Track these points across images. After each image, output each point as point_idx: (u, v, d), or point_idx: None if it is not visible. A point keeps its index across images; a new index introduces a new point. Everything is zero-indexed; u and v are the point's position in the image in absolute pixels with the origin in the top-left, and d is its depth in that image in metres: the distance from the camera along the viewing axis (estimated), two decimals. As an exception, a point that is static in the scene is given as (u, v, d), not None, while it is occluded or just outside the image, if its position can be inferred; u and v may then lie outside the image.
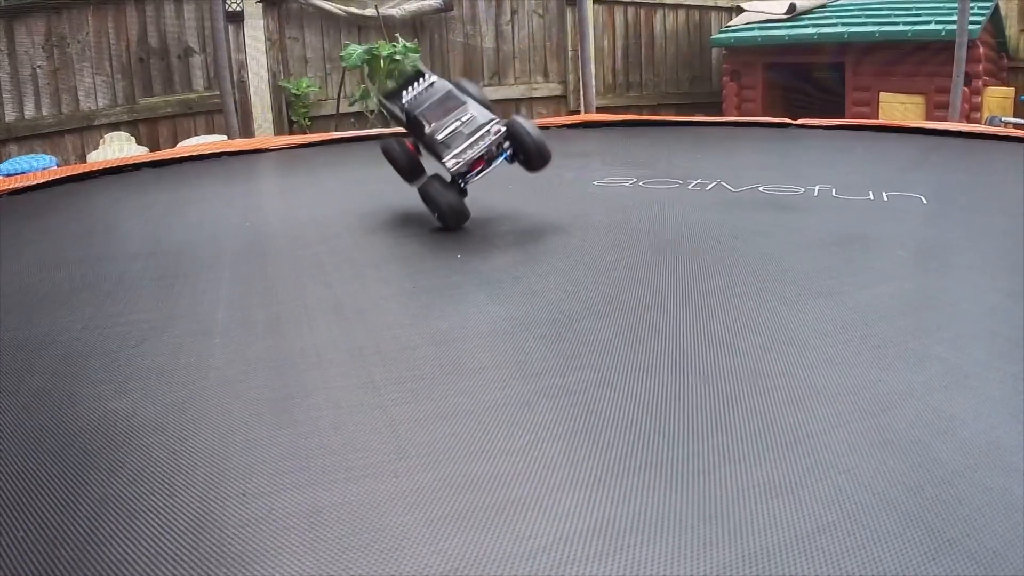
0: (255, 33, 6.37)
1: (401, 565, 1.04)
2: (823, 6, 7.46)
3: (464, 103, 2.73)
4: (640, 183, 3.40)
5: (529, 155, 2.70)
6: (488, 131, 2.64)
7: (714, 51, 8.19)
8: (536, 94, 7.41)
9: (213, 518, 1.16)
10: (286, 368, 1.66)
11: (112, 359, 1.74)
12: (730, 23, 7.77)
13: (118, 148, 5.85)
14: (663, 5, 7.93)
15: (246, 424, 1.43)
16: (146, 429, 1.43)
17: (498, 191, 3.05)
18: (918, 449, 1.30)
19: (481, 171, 2.69)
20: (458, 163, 2.60)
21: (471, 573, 1.03)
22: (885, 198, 3.04)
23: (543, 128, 2.88)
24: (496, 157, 2.71)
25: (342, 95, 6.49)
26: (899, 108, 6.60)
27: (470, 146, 2.61)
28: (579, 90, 7.24)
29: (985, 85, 6.53)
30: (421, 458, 1.31)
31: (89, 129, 5.99)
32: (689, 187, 3.30)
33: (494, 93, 7.15)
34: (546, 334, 1.83)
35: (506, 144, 2.70)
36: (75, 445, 1.38)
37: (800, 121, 5.12)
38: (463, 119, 2.68)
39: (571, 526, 1.12)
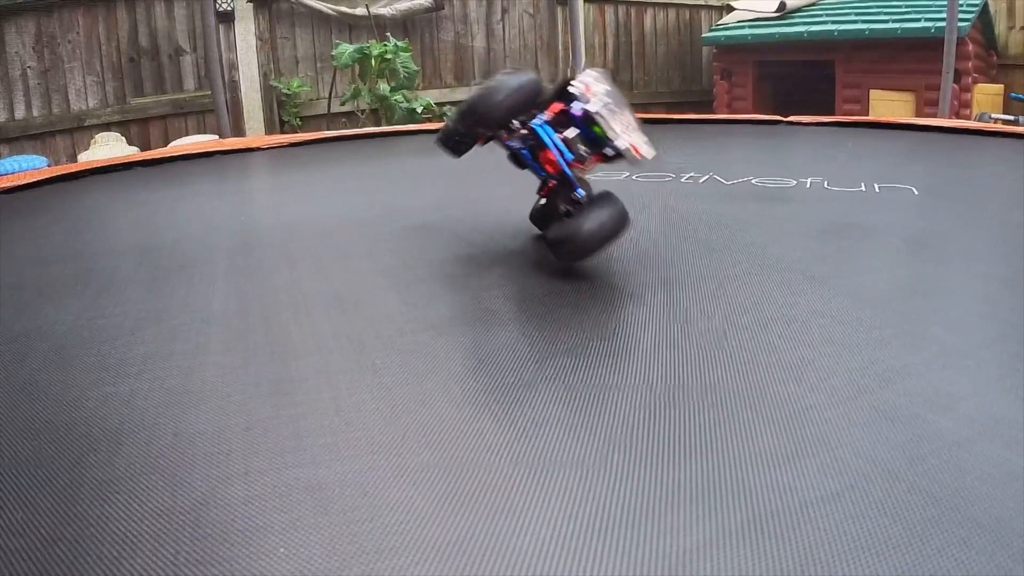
0: (246, 33, 6.36)
1: (409, 538, 1.04)
2: (813, 4, 7.50)
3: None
4: (633, 176, 3.40)
5: (564, 238, 1.95)
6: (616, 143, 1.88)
7: (704, 50, 8.21)
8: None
9: (216, 497, 1.16)
10: (285, 354, 1.66)
11: (108, 347, 1.74)
12: (720, 21, 7.80)
13: (109, 149, 5.83)
14: (654, 4, 7.96)
15: (246, 406, 1.42)
16: (145, 413, 1.42)
17: (493, 183, 3.05)
18: (918, 423, 1.31)
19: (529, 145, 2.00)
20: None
21: (479, 547, 1.03)
22: (877, 190, 3.06)
23: None
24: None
25: (333, 95, 6.49)
26: (889, 105, 6.64)
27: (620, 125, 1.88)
28: (570, 89, 7.25)
29: (975, 82, 6.58)
30: (423, 437, 1.31)
31: (80, 130, 5.97)
32: (682, 180, 3.30)
33: (486, 93, 7.15)
34: (545, 318, 1.83)
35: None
36: (73, 429, 1.38)
37: (791, 118, 5.13)
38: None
39: (577, 501, 1.12)
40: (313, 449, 1.27)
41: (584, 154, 1.95)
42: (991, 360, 1.58)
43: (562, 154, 1.95)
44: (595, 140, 1.92)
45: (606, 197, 1.99)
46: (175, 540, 1.06)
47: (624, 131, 1.87)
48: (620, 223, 1.96)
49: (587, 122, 1.91)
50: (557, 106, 1.97)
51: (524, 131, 2.00)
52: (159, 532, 1.08)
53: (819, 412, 1.34)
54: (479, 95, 1.97)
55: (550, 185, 2.10)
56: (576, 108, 1.90)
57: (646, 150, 1.89)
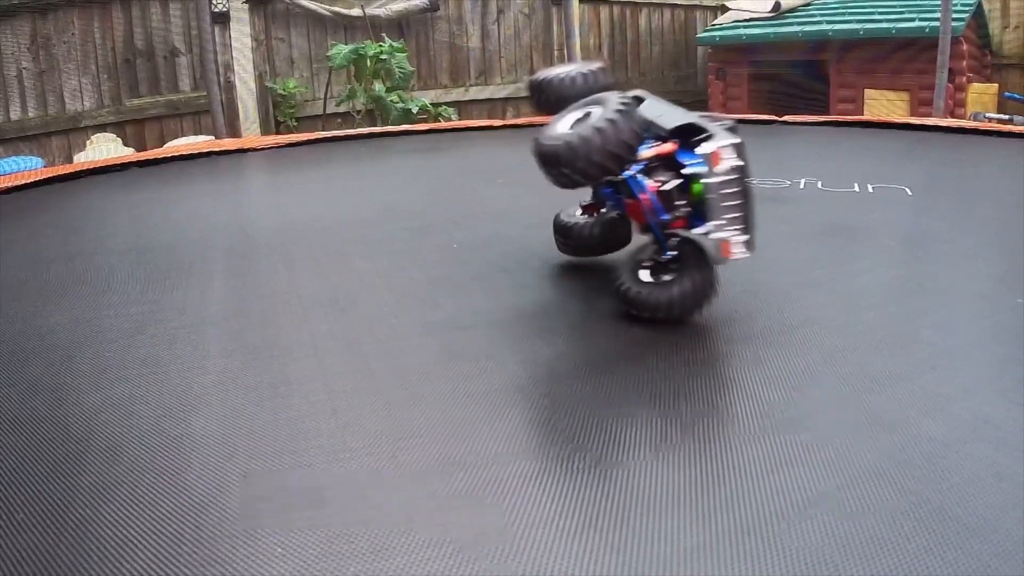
0: (241, 34, 6.36)
1: (405, 539, 1.06)
2: (807, 4, 7.51)
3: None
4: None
5: (653, 305, 1.72)
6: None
7: (699, 50, 8.23)
8: (523, 94, 7.43)
9: (216, 499, 1.17)
10: (283, 356, 1.67)
11: (108, 349, 1.75)
12: (715, 22, 7.81)
13: (105, 150, 5.82)
14: (648, 4, 7.97)
15: (245, 410, 1.44)
16: (145, 415, 1.43)
17: (491, 186, 3.07)
18: (908, 427, 1.32)
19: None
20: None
21: (476, 545, 1.04)
22: (871, 190, 3.07)
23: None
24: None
25: (329, 95, 6.49)
26: (884, 105, 6.66)
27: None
28: (566, 89, 7.25)
29: (969, 82, 6.60)
30: (418, 439, 1.32)
31: (75, 131, 5.95)
32: (678, 181, 3.31)
33: (481, 93, 7.17)
34: (537, 323, 1.84)
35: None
36: (74, 431, 1.39)
37: (785, 118, 5.15)
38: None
39: (573, 500, 1.13)
40: (311, 451, 1.28)
41: (680, 213, 1.70)
42: (982, 360, 1.60)
43: (656, 213, 1.70)
44: (692, 197, 1.68)
45: (699, 260, 1.72)
46: (175, 541, 1.08)
47: (725, 222, 1.62)
48: (710, 292, 1.74)
49: (691, 178, 1.67)
50: (670, 147, 1.71)
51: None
52: (159, 534, 1.09)
53: (812, 419, 1.36)
54: (569, 146, 1.62)
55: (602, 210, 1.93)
56: (690, 168, 1.67)
57: (737, 252, 1.64)
